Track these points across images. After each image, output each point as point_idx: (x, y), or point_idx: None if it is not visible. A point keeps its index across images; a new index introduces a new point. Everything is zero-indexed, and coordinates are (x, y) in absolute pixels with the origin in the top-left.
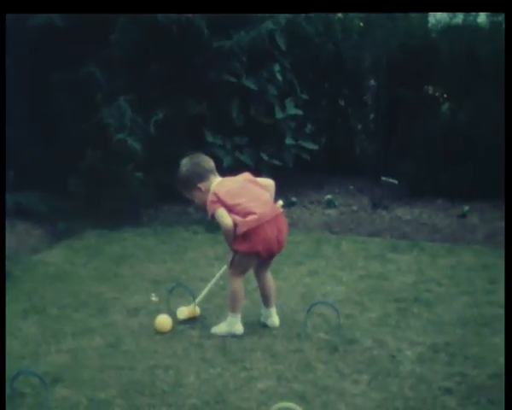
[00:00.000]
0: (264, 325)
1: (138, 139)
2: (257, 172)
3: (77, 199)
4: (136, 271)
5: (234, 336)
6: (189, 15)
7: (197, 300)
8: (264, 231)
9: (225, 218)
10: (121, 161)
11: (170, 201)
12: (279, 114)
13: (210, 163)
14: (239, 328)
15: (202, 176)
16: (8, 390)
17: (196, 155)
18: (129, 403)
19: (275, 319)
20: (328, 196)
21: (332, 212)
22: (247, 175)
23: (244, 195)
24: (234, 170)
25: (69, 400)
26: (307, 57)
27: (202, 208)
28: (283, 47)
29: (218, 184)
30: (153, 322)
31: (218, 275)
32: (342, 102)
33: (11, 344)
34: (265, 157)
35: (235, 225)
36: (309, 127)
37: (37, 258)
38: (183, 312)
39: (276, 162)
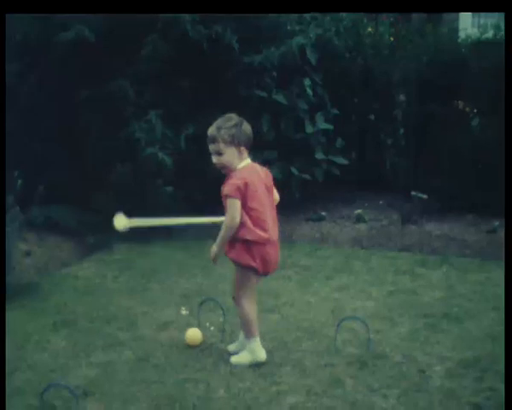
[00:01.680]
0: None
1: (169, 153)
2: (287, 187)
3: (107, 213)
4: (166, 285)
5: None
6: (219, 30)
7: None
8: (266, 251)
9: (237, 212)
10: (151, 175)
11: (200, 215)
12: (309, 129)
13: (250, 133)
14: (261, 354)
15: (248, 144)
16: (38, 403)
17: (246, 122)
18: None
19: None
20: (358, 211)
21: (362, 227)
22: (270, 176)
23: (264, 204)
24: None
25: None
26: (337, 72)
27: (221, 166)
28: (313, 62)
29: (250, 173)
30: (183, 336)
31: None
32: (372, 117)
33: (41, 357)
34: (295, 172)
35: (243, 225)
36: (339, 142)
37: (68, 271)
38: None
39: (306, 177)
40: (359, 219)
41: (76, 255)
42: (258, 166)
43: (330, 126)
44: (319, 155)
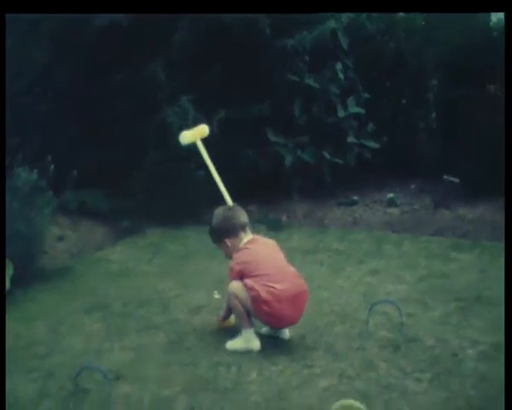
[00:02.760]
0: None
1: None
2: (319, 171)
3: (140, 197)
4: (199, 268)
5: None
6: (251, 15)
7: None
8: (281, 308)
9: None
10: (183, 160)
11: (232, 198)
12: (341, 113)
13: (242, 218)
14: (256, 344)
15: (230, 232)
16: (71, 386)
17: (231, 208)
18: (192, 399)
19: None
20: (390, 195)
21: (394, 211)
22: (274, 242)
23: (269, 267)
24: (296, 168)
25: (132, 396)
26: (369, 56)
27: (229, 259)
28: (345, 46)
29: (244, 252)
30: (215, 319)
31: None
32: (404, 101)
33: (74, 340)
34: (327, 156)
35: (252, 289)
36: (371, 126)
37: (101, 255)
38: None
39: (338, 161)
40: (391, 203)
41: (109, 239)
42: (259, 239)
43: (362, 110)
44: (351, 139)
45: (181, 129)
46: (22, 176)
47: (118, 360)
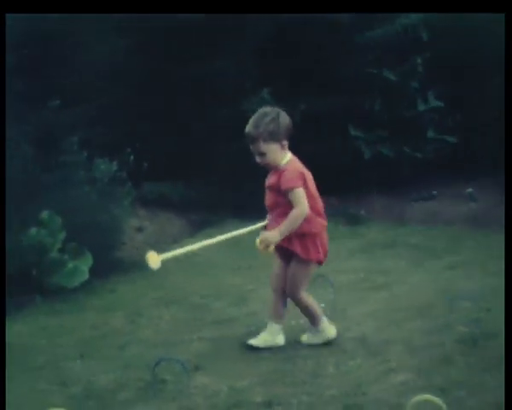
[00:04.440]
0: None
1: None
2: (398, 165)
3: (218, 189)
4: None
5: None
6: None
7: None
8: (326, 240)
9: (305, 200)
10: None
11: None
12: (421, 107)
13: None
14: (332, 331)
15: (288, 135)
16: (149, 377)
17: (285, 114)
18: (269, 391)
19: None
20: (469, 190)
21: (473, 205)
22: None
23: (316, 191)
24: (375, 162)
25: (210, 387)
26: (449, 49)
27: (267, 165)
28: (425, 39)
29: (299, 164)
30: (293, 312)
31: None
32: (482, 95)
33: (152, 331)
34: (407, 150)
35: (308, 219)
36: (450, 120)
37: (179, 247)
38: None
39: (418, 155)
40: (470, 197)
41: (187, 231)
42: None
43: (441, 104)
44: (430, 134)
45: None
46: (101, 167)
47: (196, 351)
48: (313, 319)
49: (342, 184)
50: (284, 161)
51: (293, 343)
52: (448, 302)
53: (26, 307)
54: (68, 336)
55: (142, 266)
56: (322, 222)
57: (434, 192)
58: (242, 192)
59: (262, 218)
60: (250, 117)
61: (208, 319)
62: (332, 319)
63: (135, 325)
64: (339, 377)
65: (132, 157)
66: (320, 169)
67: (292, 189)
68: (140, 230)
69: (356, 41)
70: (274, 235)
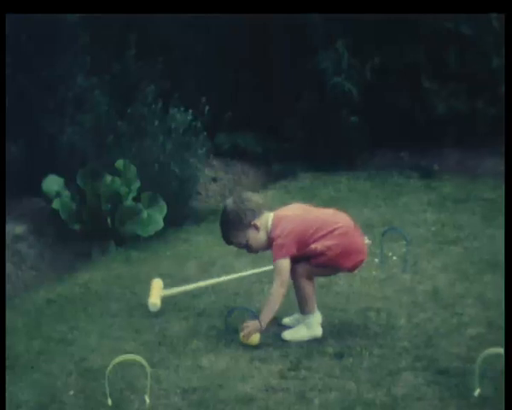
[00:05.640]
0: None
1: (354, 83)
2: (472, 121)
3: (292, 141)
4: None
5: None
6: None
7: (167, 292)
8: (354, 240)
9: (286, 272)
10: (337, 105)
11: (383, 145)
12: (495, 62)
13: (261, 197)
14: (318, 331)
15: (256, 211)
16: (222, 325)
17: (243, 192)
18: (341, 344)
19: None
20: None
21: None
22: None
23: (318, 216)
24: (449, 117)
25: (280, 336)
26: None
27: (257, 251)
28: None
29: (286, 221)
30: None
31: (211, 281)
32: None
33: (226, 281)
34: (480, 105)
35: (329, 248)
36: None
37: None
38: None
39: (492, 110)
40: None
41: (261, 182)
42: (284, 208)
43: None
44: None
45: (335, 74)
46: (177, 117)
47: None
48: (304, 308)
49: (416, 137)
50: (269, 226)
51: (366, 296)
52: None
53: (101, 255)
54: (142, 285)
55: (216, 215)
56: (357, 258)
57: (436, 166)
58: (316, 145)
59: (334, 170)
60: (325, 70)
61: None
62: (404, 271)
63: (208, 273)
64: (410, 329)
65: (208, 107)
66: (394, 122)
67: (274, 260)
68: (214, 180)
69: None
70: (256, 325)
